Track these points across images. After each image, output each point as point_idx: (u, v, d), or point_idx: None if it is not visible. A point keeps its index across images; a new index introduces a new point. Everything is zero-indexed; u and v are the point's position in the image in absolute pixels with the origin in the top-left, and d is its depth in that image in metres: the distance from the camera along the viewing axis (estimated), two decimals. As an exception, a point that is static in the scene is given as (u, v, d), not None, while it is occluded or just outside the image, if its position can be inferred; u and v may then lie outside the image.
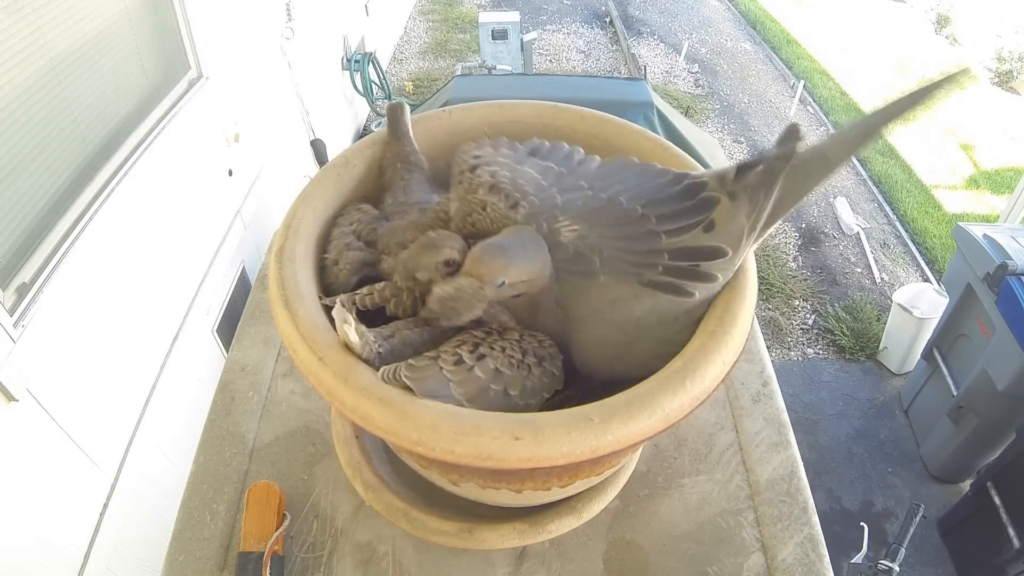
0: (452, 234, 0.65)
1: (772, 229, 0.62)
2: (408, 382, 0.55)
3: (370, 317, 0.64)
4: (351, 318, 0.55)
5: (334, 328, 0.59)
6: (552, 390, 0.61)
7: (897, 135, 5.77)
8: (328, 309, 0.60)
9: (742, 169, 0.60)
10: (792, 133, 0.59)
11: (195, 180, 2.41)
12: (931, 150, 5.68)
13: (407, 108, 0.79)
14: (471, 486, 0.64)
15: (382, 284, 0.66)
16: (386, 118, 0.79)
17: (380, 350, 0.57)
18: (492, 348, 0.58)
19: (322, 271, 0.70)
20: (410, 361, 0.56)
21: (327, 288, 0.68)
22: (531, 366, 0.59)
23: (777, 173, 0.58)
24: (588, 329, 0.61)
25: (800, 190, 0.59)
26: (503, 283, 0.58)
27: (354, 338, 0.56)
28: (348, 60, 4.83)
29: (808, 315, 4.06)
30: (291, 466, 0.85)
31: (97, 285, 1.78)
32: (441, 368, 0.56)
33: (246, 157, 2.82)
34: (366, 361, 0.58)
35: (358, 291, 0.66)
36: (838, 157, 0.59)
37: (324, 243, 0.72)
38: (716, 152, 3.60)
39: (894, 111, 0.57)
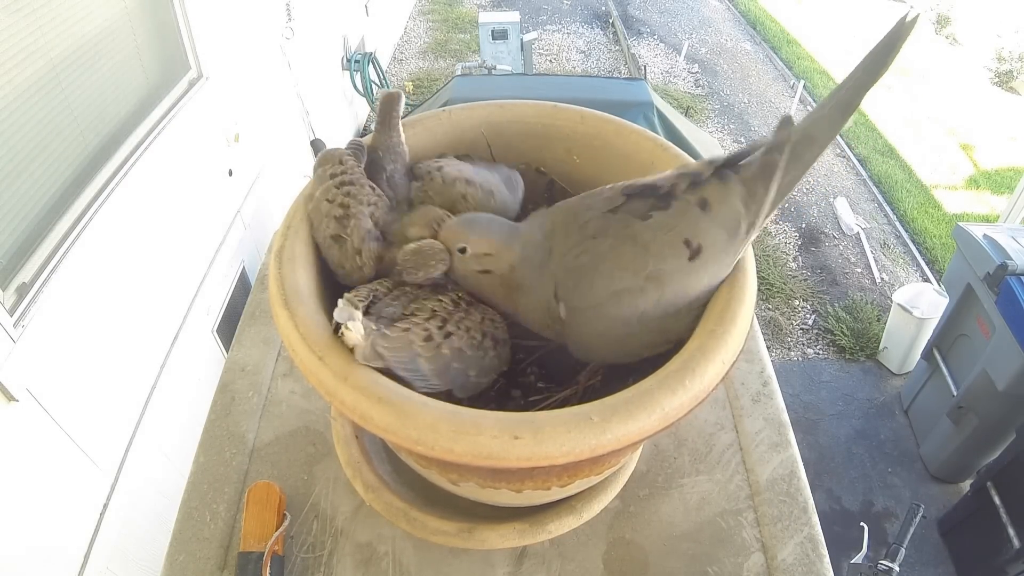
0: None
1: (768, 220, 0.63)
2: (381, 351, 0.57)
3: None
4: (357, 314, 0.55)
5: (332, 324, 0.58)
6: (501, 371, 0.65)
7: (897, 135, 5.78)
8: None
9: (732, 159, 0.61)
10: (785, 125, 0.59)
11: (195, 180, 2.41)
12: (931, 150, 5.68)
13: (402, 98, 0.79)
14: (471, 485, 0.64)
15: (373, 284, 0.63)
16: (379, 105, 0.78)
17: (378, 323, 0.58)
18: (458, 327, 0.61)
19: (332, 247, 0.66)
20: (385, 331, 0.58)
21: (344, 278, 0.66)
22: (488, 348, 0.62)
23: (775, 166, 0.59)
24: (590, 323, 0.61)
25: (793, 176, 0.60)
26: (465, 249, 0.62)
27: (358, 335, 0.56)
28: (348, 60, 4.83)
29: (808, 315, 4.06)
30: (291, 466, 0.85)
31: (97, 285, 1.78)
32: (412, 342, 0.58)
33: (246, 157, 2.82)
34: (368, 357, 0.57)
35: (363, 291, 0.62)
36: (824, 138, 0.60)
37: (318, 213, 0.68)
38: (716, 152, 3.60)
39: (865, 78, 0.58)
